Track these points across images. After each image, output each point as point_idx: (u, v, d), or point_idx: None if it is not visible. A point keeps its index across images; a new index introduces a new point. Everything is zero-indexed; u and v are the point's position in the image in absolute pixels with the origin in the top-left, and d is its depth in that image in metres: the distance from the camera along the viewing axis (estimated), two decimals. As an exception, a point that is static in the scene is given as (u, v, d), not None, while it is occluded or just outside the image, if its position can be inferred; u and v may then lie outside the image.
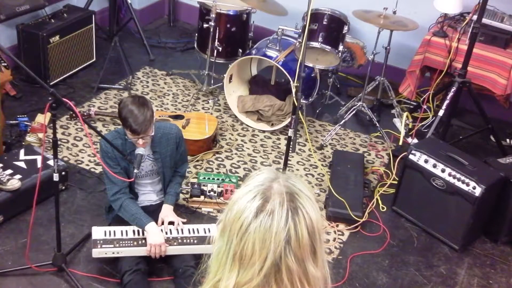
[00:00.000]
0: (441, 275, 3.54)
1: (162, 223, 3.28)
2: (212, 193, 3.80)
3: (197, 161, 4.20)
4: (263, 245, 1.20)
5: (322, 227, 1.28)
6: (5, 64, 3.86)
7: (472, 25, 4.20)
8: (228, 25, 4.79)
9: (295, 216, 1.22)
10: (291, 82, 4.23)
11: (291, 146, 3.70)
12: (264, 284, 1.23)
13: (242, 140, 4.52)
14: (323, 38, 4.42)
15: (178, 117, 4.42)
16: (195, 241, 3.24)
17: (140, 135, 3.08)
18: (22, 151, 3.79)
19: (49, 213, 3.53)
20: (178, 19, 6.22)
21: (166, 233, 3.25)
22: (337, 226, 3.78)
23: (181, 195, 3.70)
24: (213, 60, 4.81)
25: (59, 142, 3.80)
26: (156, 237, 3.14)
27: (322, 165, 4.32)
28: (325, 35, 4.42)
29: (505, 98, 4.60)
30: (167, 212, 3.33)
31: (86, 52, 5.09)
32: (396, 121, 4.91)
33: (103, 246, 3.12)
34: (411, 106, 5.03)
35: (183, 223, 3.34)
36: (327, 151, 4.50)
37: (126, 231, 3.22)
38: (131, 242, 3.16)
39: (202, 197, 3.79)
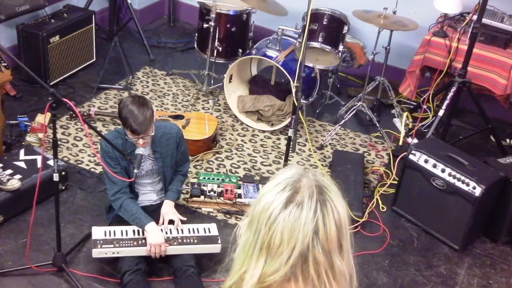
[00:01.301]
0: (441, 275, 3.54)
1: (163, 222, 3.28)
2: (212, 193, 3.80)
3: (197, 161, 4.20)
4: (292, 235, 1.22)
5: (349, 223, 1.29)
6: (5, 64, 3.85)
7: (472, 25, 4.20)
8: (228, 25, 4.79)
9: (323, 208, 1.24)
10: (291, 82, 4.23)
11: (291, 146, 3.70)
12: (290, 276, 1.23)
13: (242, 140, 4.52)
14: (323, 38, 4.42)
15: (178, 117, 4.41)
16: (195, 241, 3.25)
17: (140, 135, 3.08)
18: (22, 151, 3.79)
19: (49, 213, 3.52)
20: (178, 19, 6.22)
21: (166, 233, 3.25)
22: (337, 226, 3.77)
23: (181, 195, 3.70)
24: (213, 60, 4.81)
25: (59, 142, 3.81)
26: (156, 237, 3.14)
27: (322, 165, 4.32)
28: (325, 35, 4.42)
29: (505, 98, 4.60)
30: (168, 208, 3.33)
31: (86, 52, 5.09)
32: (396, 121, 4.91)
33: (103, 246, 3.12)
34: (411, 106, 5.03)
35: (183, 221, 3.34)
36: (327, 151, 4.50)
37: (126, 231, 3.22)
38: (131, 242, 3.16)
39: (202, 197, 3.79)
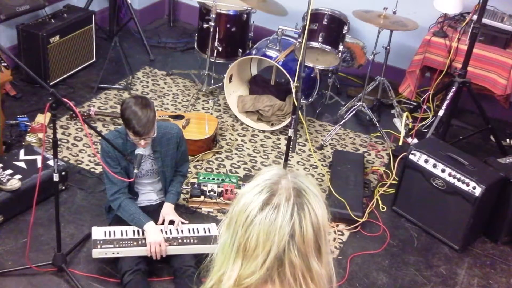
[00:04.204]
0: (441, 275, 3.54)
1: (163, 222, 3.29)
2: (212, 193, 3.80)
3: (197, 161, 4.20)
4: (267, 238, 1.21)
5: (328, 225, 1.28)
6: (5, 64, 3.85)
7: (472, 25, 4.20)
8: (228, 25, 4.79)
9: (300, 211, 1.23)
10: (291, 82, 4.23)
11: (291, 146, 3.70)
12: (267, 278, 1.23)
13: (242, 140, 4.52)
14: (323, 38, 4.42)
15: (178, 117, 4.41)
16: (195, 241, 3.24)
17: (142, 136, 3.08)
18: (22, 151, 3.79)
19: (49, 213, 3.53)
20: (178, 19, 6.22)
21: (166, 233, 3.25)
22: (337, 226, 3.78)
23: (181, 195, 3.70)
24: (213, 60, 4.81)
25: (59, 142, 3.80)
26: (155, 236, 3.14)
27: (322, 165, 4.32)
28: (325, 35, 4.42)
29: (505, 98, 4.60)
30: (168, 210, 3.33)
31: (86, 52, 5.09)
32: (396, 121, 4.91)
33: (103, 246, 3.12)
34: (411, 106, 5.03)
35: (183, 223, 3.34)
36: (327, 151, 4.50)
37: (126, 231, 3.22)
38: (131, 242, 3.16)
39: (202, 197, 3.79)
